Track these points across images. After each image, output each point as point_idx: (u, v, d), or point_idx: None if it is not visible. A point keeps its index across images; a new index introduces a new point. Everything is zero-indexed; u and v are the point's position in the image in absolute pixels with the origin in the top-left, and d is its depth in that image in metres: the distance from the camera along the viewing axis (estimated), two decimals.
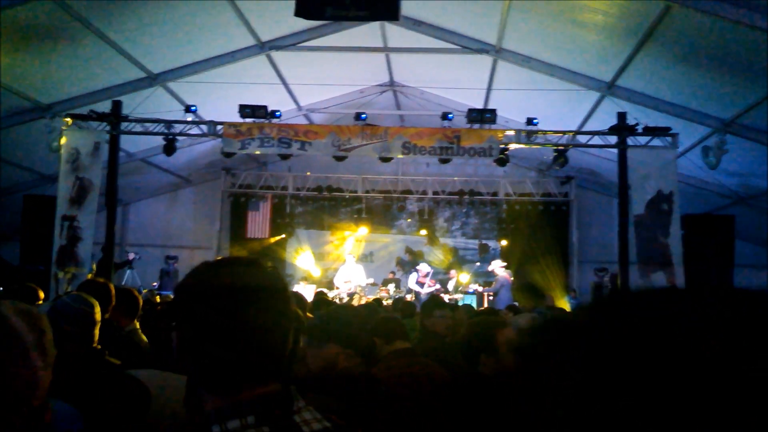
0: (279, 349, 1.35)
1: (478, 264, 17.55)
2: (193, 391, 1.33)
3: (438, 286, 15.66)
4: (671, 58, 10.62)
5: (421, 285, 15.21)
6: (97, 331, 3.37)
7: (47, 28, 10.29)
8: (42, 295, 5.20)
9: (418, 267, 15.93)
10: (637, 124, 12.09)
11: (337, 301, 13.19)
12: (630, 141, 12.33)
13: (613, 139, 12.51)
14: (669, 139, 12.16)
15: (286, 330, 1.37)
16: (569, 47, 11.74)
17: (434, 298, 6.65)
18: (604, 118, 12.68)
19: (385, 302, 12.78)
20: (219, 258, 1.44)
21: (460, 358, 4.33)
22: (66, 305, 3.32)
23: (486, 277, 16.09)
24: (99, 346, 3.42)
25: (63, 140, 12.27)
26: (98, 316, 3.40)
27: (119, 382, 2.50)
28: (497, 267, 15.20)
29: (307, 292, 13.69)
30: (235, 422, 1.25)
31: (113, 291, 4.28)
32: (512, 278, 15.27)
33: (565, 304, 15.57)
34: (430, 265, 16.77)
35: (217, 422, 1.26)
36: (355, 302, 13.35)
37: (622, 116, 12.23)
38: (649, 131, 12.13)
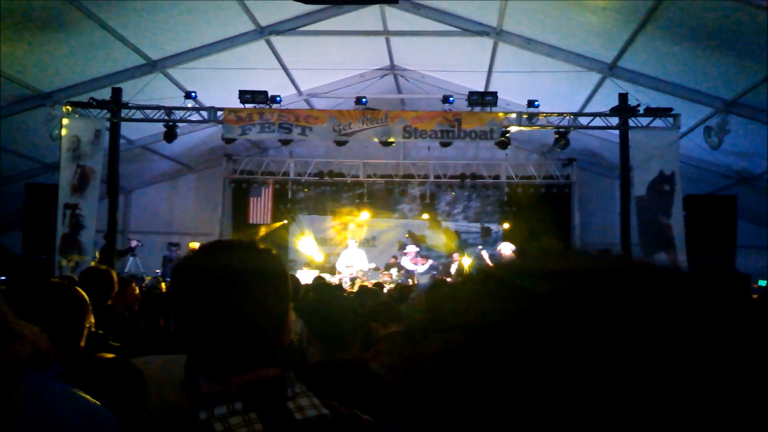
0: (273, 333, 1.32)
1: (480, 247, 17.55)
2: (192, 375, 1.32)
3: (431, 261, 15.80)
4: (673, 38, 10.56)
5: (415, 265, 15.34)
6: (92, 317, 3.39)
7: (47, 16, 10.25)
8: None
9: (405, 250, 16.06)
10: (638, 105, 12.04)
11: (344, 285, 13.22)
12: (632, 122, 12.30)
13: (614, 121, 12.47)
14: (671, 119, 12.13)
15: (282, 314, 1.34)
16: (570, 28, 11.67)
17: (440, 282, 6.68)
18: (606, 100, 12.64)
19: (387, 286, 12.81)
20: (214, 241, 1.41)
21: None
22: None
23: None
24: (101, 332, 3.45)
25: (64, 128, 12.26)
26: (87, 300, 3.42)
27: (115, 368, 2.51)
28: (506, 249, 15.28)
29: (310, 277, 13.72)
30: (222, 408, 1.23)
31: (115, 278, 4.30)
32: None
33: None
34: (432, 251, 16.88)
35: (205, 408, 1.24)
36: (356, 287, 13.38)
37: (623, 97, 12.18)
38: (651, 112, 12.09)
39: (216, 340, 1.27)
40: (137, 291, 5.82)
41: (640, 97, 11.98)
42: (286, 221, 18.97)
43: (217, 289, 1.28)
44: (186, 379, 2.24)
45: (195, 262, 1.35)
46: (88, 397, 2.21)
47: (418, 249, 16.01)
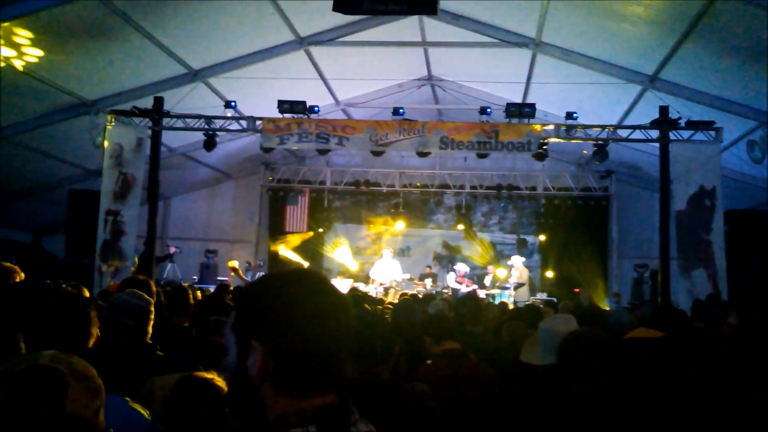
0: (341, 358, 1.38)
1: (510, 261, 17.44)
2: (244, 396, 1.33)
3: (475, 287, 15.60)
4: (716, 51, 10.40)
5: (459, 284, 15.13)
6: (150, 327, 3.51)
7: (92, 26, 10.48)
8: (87, 293, 5.30)
9: (455, 267, 15.83)
10: (679, 118, 11.83)
11: (373, 295, 13.24)
12: (672, 135, 12.08)
13: (654, 134, 12.26)
14: (713, 133, 11.87)
15: (348, 340, 1.39)
16: (610, 40, 11.57)
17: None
18: (646, 112, 12.46)
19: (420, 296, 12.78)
20: (293, 270, 1.45)
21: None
22: (125, 301, 3.47)
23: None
24: (151, 341, 3.54)
25: (107, 136, 12.51)
26: (153, 311, 3.54)
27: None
28: (517, 262, 15.25)
29: (344, 286, 13.77)
30: (297, 430, 1.26)
31: (154, 288, 4.37)
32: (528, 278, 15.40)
33: (602, 302, 15.39)
34: (467, 263, 16.71)
35: (281, 429, 1.27)
36: (390, 297, 13.38)
37: (664, 110, 11.98)
38: (692, 125, 11.86)
39: (299, 363, 1.31)
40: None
41: (682, 109, 11.77)
42: (321, 230, 19.08)
43: (308, 317, 1.32)
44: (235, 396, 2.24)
45: (284, 290, 1.37)
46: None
47: (467, 270, 15.81)
